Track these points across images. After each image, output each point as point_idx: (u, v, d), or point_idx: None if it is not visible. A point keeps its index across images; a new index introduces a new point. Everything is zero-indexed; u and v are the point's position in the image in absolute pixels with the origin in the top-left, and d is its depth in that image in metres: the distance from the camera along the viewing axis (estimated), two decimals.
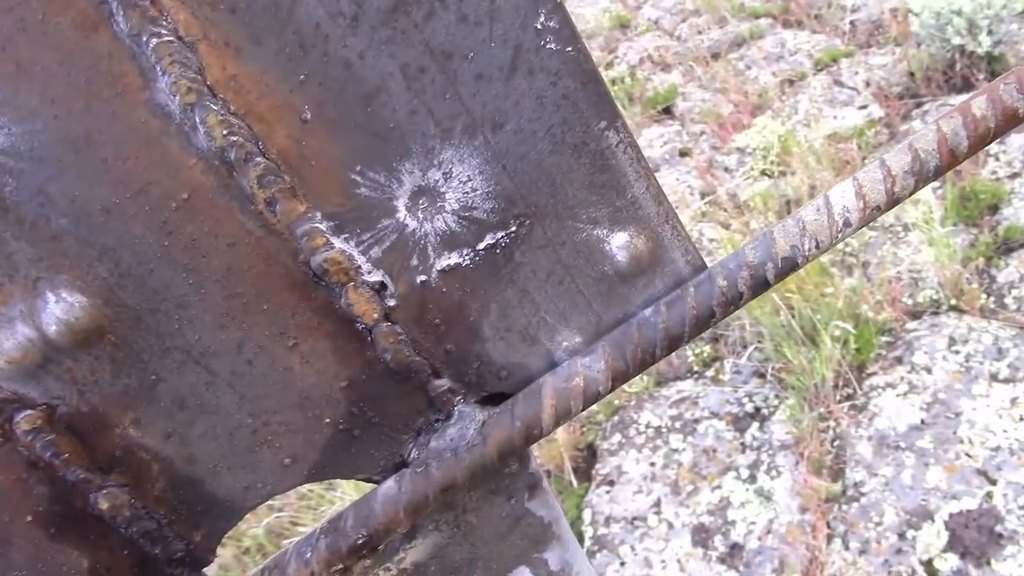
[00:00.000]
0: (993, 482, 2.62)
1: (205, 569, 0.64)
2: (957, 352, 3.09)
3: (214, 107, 0.49)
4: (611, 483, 3.24)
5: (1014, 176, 3.79)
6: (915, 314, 3.39)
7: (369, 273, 0.56)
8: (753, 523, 2.89)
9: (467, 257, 0.58)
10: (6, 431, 0.53)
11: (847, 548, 2.67)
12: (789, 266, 0.59)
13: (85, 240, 0.50)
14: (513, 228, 0.57)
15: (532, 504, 0.68)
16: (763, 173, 4.52)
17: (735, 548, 2.85)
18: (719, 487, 3.06)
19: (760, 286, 0.59)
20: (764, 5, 6.42)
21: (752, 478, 3.04)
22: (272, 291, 0.55)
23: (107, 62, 0.47)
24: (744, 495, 2.99)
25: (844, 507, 2.79)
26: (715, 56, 6.07)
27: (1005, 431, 2.74)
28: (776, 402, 3.28)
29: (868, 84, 4.97)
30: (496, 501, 0.67)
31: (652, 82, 6.19)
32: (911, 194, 0.58)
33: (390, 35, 0.50)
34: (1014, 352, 2.98)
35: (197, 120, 0.49)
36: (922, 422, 2.90)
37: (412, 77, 0.51)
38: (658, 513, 3.08)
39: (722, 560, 2.83)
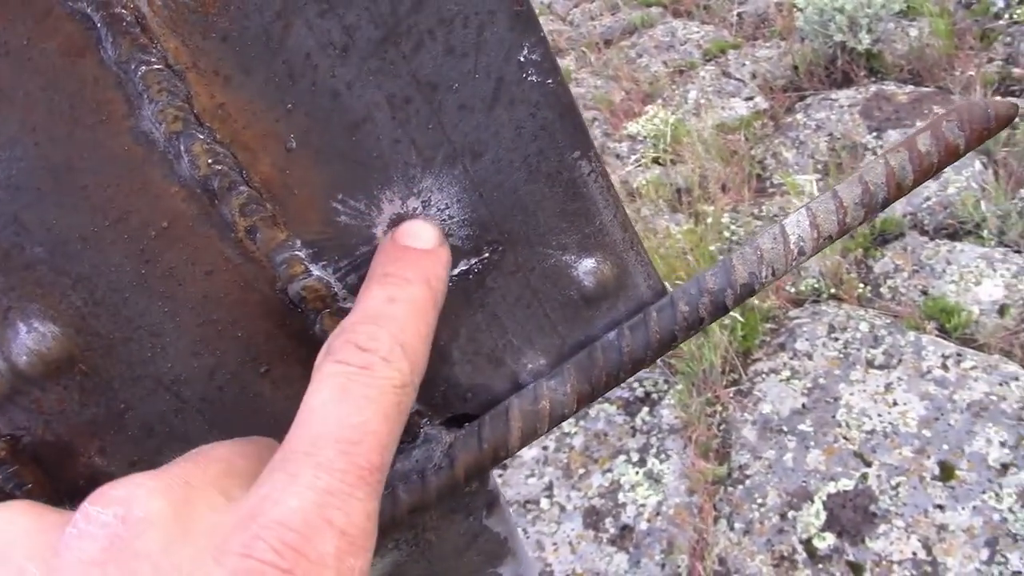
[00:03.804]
0: (868, 464, 2.75)
1: None
2: (836, 339, 3.23)
3: (200, 136, 0.46)
4: (504, 467, 3.25)
5: None
6: (797, 302, 3.53)
7: (345, 300, 0.54)
8: (643, 505, 2.95)
9: None
10: None
11: (732, 529, 2.76)
12: (747, 292, 0.60)
13: (60, 269, 0.47)
14: (486, 254, 0.57)
15: (490, 521, 0.67)
16: (654, 161, 4.60)
17: (625, 530, 2.91)
18: (610, 470, 3.11)
19: (719, 311, 0.60)
20: None
21: (642, 461, 3.10)
22: (247, 318, 0.53)
23: (92, 89, 0.44)
24: (634, 478, 3.05)
25: (730, 489, 2.88)
26: (607, 43, 6.14)
27: (879, 415, 2.88)
28: (665, 387, 3.36)
29: (754, 76, 5.12)
30: (455, 519, 0.66)
31: None
32: (859, 224, 0.60)
33: (379, 66, 0.48)
34: (888, 339, 3.14)
35: (182, 148, 0.46)
36: (803, 406, 3.02)
37: (397, 107, 0.50)
38: (550, 496, 3.11)
39: (612, 542, 2.88)
